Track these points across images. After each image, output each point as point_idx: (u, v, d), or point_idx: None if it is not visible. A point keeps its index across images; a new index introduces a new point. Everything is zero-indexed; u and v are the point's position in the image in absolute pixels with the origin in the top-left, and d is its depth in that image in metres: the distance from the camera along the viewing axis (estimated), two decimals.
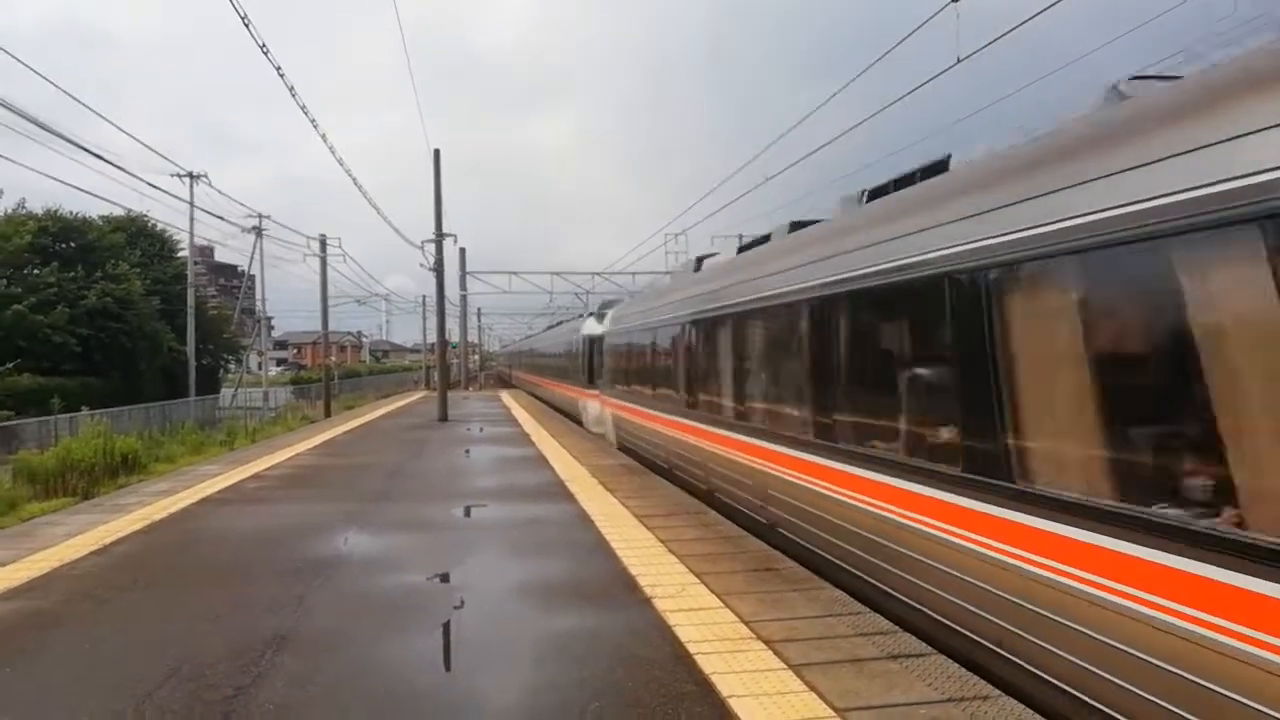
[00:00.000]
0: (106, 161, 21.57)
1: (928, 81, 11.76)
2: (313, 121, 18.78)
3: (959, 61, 10.63)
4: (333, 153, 21.58)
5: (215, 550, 8.31)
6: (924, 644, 5.19)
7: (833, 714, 4.18)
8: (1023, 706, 4.28)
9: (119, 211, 39.70)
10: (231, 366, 50.76)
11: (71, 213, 36.27)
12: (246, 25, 13.21)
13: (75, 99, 18.65)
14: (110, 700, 4.48)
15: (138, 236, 40.80)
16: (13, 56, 14.95)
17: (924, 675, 4.65)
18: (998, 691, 4.46)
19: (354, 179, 24.88)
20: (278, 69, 15.22)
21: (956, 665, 4.82)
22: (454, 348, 57.95)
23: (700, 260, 14.46)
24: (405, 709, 4.38)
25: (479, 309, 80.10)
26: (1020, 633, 4.70)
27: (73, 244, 35.14)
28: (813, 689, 4.49)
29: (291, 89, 16.60)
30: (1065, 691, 4.37)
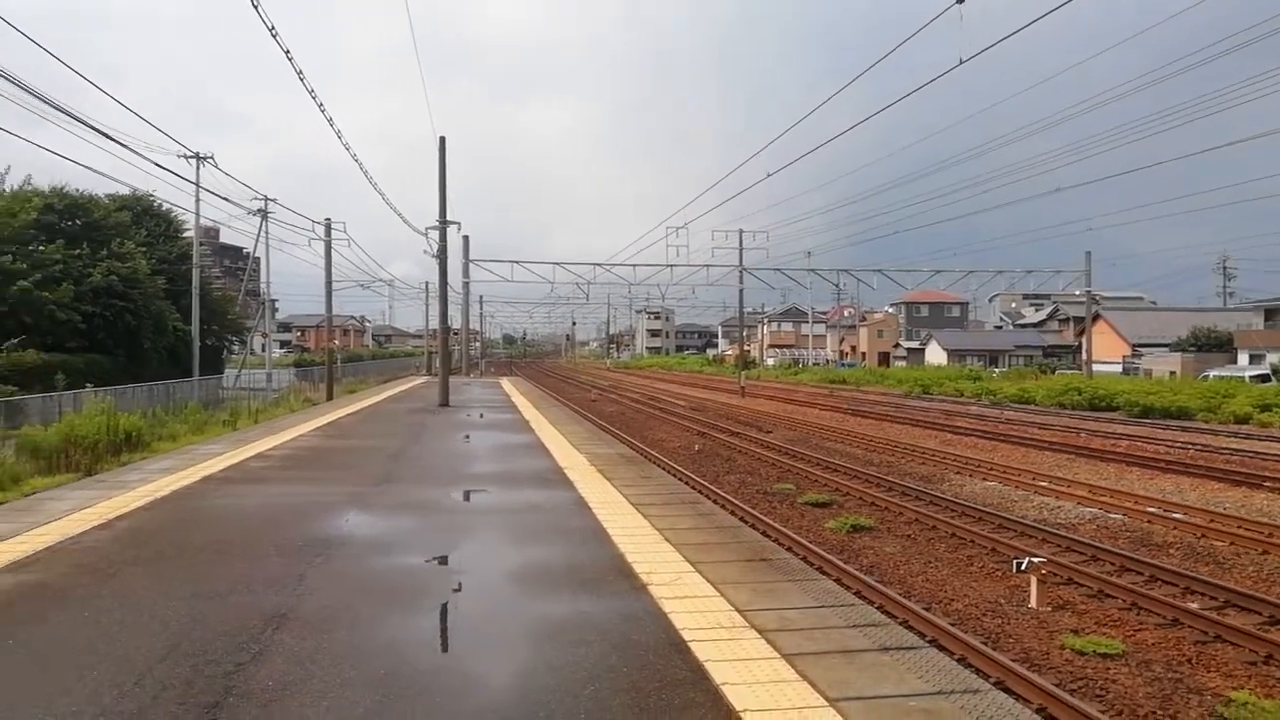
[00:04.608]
0: (113, 140, 21.51)
1: (930, 82, 11.79)
2: (320, 106, 18.80)
3: (961, 63, 10.64)
4: (340, 138, 21.61)
5: (218, 528, 8.37)
6: (915, 637, 5.24)
7: (824, 703, 4.23)
8: (1012, 700, 4.33)
9: (125, 190, 39.76)
10: (235, 347, 50.79)
11: (77, 190, 36.31)
12: (255, 6, 13.21)
13: (83, 76, 18.70)
14: (111, 673, 4.55)
15: (143, 216, 40.73)
16: (19, 31, 14.92)
17: (914, 668, 4.70)
18: (988, 685, 4.51)
19: (360, 164, 24.84)
20: (286, 52, 15.21)
21: (947, 658, 4.87)
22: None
23: None
24: (404, 688, 4.44)
25: (480, 297, 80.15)
26: None
27: (78, 221, 35.09)
28: (804, 678, 4.54)
29: (300, 73, 16.58)
30: None
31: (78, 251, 32.62)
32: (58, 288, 30.44)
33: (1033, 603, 8.94)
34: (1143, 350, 60.15)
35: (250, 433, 18.70)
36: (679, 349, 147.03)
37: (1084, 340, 53.65)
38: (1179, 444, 23.22)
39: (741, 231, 50.64)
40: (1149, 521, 13.19)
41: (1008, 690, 6.10)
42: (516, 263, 48.93)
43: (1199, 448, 22.24)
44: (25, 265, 29.80)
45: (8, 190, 33.35)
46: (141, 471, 12.18)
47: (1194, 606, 8.71)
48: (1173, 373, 50.37)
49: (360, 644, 5.09)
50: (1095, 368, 50.46)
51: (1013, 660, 7.15)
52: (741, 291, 53.94)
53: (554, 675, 4.61)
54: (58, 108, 19.15)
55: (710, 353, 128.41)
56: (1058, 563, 10.17)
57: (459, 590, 6.34)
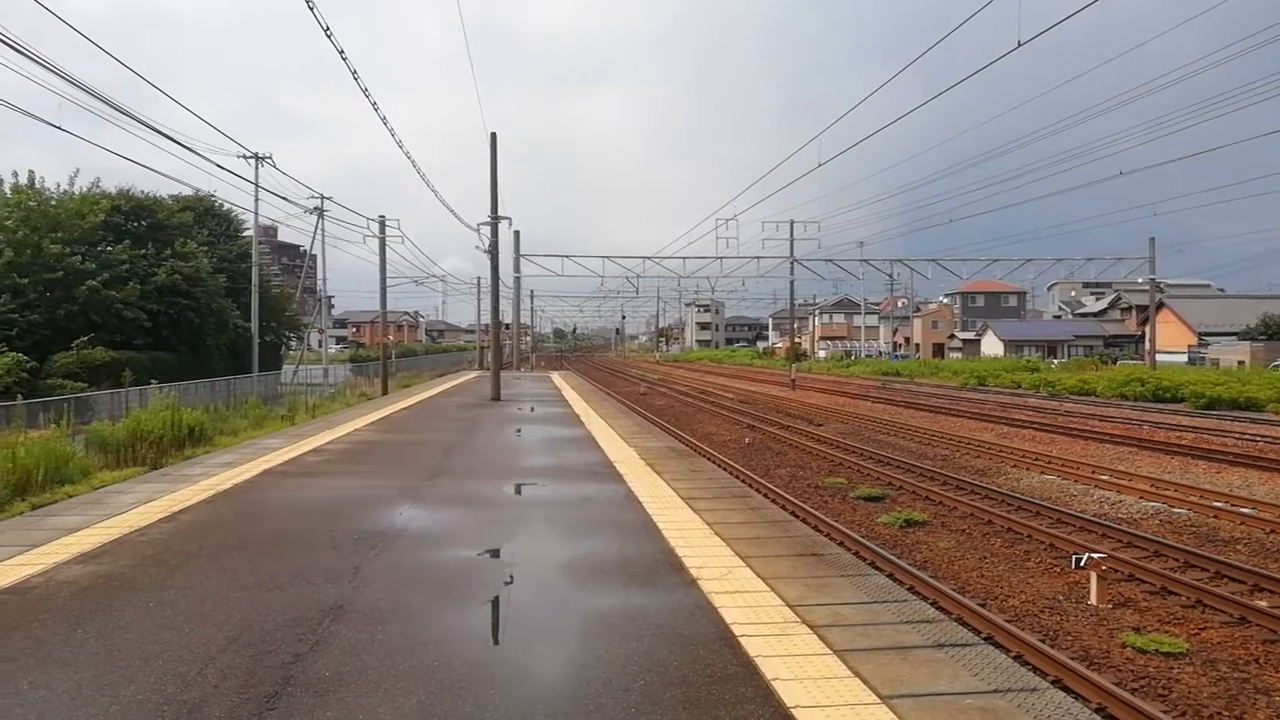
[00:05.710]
0: (177, 143, 22.11)
1: (987, 66, 11.55)
2: (374, 105, 19.07)
3: (1019, 45, 10.40)
4: (393, 135, 21.91)
5: (276, 521, 8.57)
6: (970, 634, 5.16)
7: (877, 701, 4.18)
8: (1070, 699, 4.24)
9: (187, 191, 40.90)
10: (293, 343, 51.90)
11: (142, 192, 37.41)
12: (311, 9, 13.45)
13: (149, 82, 19.17)
14: (175, 663, 4.68)
15: (205, 216, 41.87)
16: (90, 41, 15.39)
17: (970, 665, 4.62)
18: (1046, 684, 4.43)
19: (413, 162, 25.18)
20: (341, 52, 15.46)
21: (1004, 656, 4.79)
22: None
23: None
24: (457, 680, 4.49)
25: (531, 291, 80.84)
26: None
27: (144, 222, 36.19)
28: (857, 675, 4.49)
29: (355, 73, 16.84)
30: None
31: (143, 251, 33.67)
32: (124, 287, 31.44)
33: (1092, 599, 8.74)
34: (1209, 339, 58.32)
35: (308, 427, 19.09)
36: (729, 342, 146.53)
37: (1147, 329, 52.19)
38: (1248, 436, 22.47)
39: (792, 222, 50.22)
40: (1215, 516, 12.80)
41: (1066, 689, 5.98)
42: (567, 257, 49.33)
43: (1269, 440, 21.50)
44: (94, 265, 30.83)
45: (77, 193, 34.43)
46: (204, 465, 12.51)
47: (1262, 604, 8.43)
48: (1241, 362, 48.77)
49: (414, 636, 5.17)
50: (1159, 358, 49.07)
51: (1071, 658, 6.99)
52: (792, 283, 53.52)
53: (605, 668, 4.64)
54: (125, 112, 19.72)
55: (760, 345, 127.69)
56: (1119, 559, 9.92)
57: (510, 583, 6.40)
